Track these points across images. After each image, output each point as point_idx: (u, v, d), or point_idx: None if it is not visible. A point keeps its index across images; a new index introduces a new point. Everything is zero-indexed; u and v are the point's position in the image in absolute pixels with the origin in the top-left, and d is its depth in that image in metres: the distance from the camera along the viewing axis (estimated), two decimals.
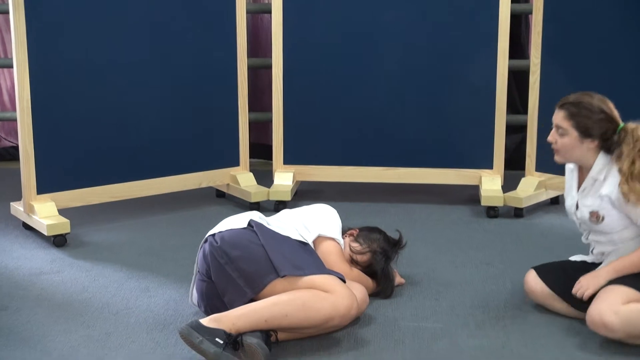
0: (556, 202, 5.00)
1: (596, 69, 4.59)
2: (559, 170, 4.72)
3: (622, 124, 3.22)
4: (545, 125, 4.39)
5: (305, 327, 3.08)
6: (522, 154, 5.02)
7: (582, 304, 3.22)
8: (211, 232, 3.30)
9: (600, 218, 3.24)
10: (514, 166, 5.33)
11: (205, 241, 3.29)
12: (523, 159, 4.94)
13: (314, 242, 3.43)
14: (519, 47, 5.52)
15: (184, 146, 4.81)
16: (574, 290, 3.24)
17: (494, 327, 3.34)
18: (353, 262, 3.57)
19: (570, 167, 3.41)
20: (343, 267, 3.42)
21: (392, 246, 3.65)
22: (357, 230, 3.66)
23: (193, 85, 4.78)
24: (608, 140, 3.21)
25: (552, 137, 3.29)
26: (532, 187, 4.82)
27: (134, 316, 3.43)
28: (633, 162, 3.15)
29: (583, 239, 3.44)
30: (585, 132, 3.21)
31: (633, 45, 4.47)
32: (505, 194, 4.79)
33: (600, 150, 3.23)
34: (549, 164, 4.79)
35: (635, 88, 4.47)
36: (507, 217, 4.77)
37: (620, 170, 3.16)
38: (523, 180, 4.89)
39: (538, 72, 4.79)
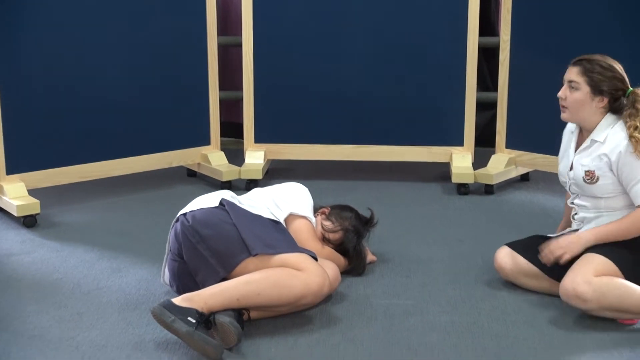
0: (526, 178, 5.02)
1: (565, 45, 4.60)
2: (529, 147, 4.78)
3: (630, 88, 3.27)
4: None
5: (278, 305, 3.09)
6: (492, 131, 5.04)
7: (558, 272, 3.24)
8: (182, 211, 3.29)
9: (595, 178, 3.26)
10: (485, 143, 5.35)
11: (177, 220, 3.28)
12: (493, 136, 4.97)
13: (285, 220, 3.43)
14: (488, 25, 5.52)
15: (154, 125, 4.79)
16: (550, 247, 3.23)
17: (465, 303, 3.36)
18: (325, 240, 3.58)
19: (570, 129, 3.43)
20: (315, 245, 3.43)
21: (363, 224, 3.66)
22: (329, 208, 3.66)
23: (163, 64, 4.76)
24: (617, 101, 3.25)
25: (563, 92, 3.30)
26: (502, 164, 4.85)
27: (106, 296, 3.42)
28: None
29: (568, 202, 3.45)
30: (597, 89, 3.24)
31: (601, 21, 4.48)
32: (476, 171, 4.82)
33: (607, 112, 3.26)
34: (519, 141, 4.84)
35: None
36: (477, 194, 4.79)
37: (631, 127, 3.20)
38: (493, 157, 4.92)
39: (508, 49, 4.80)
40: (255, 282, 3.02)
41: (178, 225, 3.24)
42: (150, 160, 4.81)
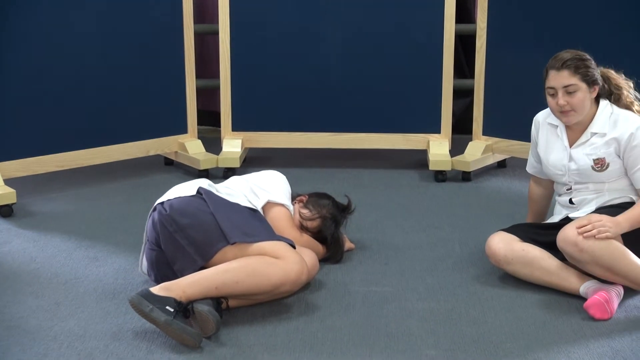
0: (503, 165, 5.04)
1: (542, 32, 4.62)
2: (506, 134, 4.79)
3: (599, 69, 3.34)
4: None
5: (256, 294, 3.09)
6: (469, 118, 5.05)
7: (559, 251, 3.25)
8: (160, 200, 3.28)
9: (606, 165, 3.28)
10: (462, 130, 5.37)
11: (154, 209, 3.27)
12: (470, 123, 4.98)
13: (263, 208, 3.43)
14: (465, 12, 5.53)
15: (131, 114, 4.77)
16: (592, 218, 3.16)
17: (443, 290, 3.38)
18: (303, 228, 3.58)
19: (544, 121, 3.44)
20: (293, 233, 3.43)
21: (341, 211, 3.66)
22: (307, 196, 3.67)
23: (139, 52, 4.73)
24: (603, 85, 3.31)
25: (562, 100, 3.27)
26: (479, 151, 4.86)
27: (83, 286, 3.41)
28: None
29: (562, 190, 3.44)
30: (590, 81, 3.27)
31: (579, 8, 4.50)
32: (453, 158, 4.83)
33: (596, 100, 3.31)
34: (496, 128, 4.86)
35: (579, 48, 4.50)
36: (455, 181, 4.81)
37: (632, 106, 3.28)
38: (470, 144, 4.93)
39: (484, 36, 4.81)
40: (233, 270, 3.02)
41: (155, 214, 3.23)
42: (128, 148, 4.79)
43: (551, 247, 3.30)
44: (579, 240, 3.11)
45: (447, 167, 4.79)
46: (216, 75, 5.06)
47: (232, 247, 3.09)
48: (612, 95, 3.33)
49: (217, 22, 4.95)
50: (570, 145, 3.36)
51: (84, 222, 4.14)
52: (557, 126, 3.40)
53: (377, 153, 5.19)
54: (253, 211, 3.33)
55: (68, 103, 4.54)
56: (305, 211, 3.59)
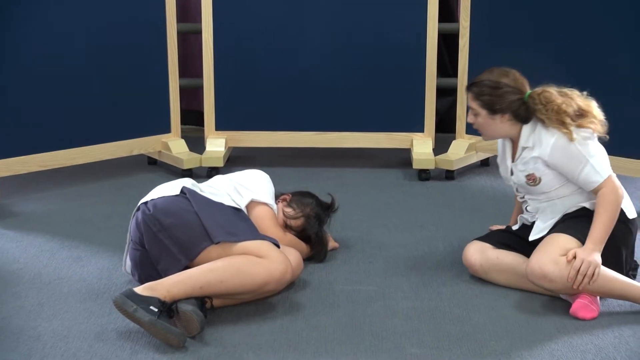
0: (486, 164, 5.06)
1: (525, 32, 4.63)
2: None
3: (529, 92, 3.27)
4: None
5: (241, 293, 3.09)
6: (452, 117, 5.07)
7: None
8: (143, 200, 3.27)
9: (538, 180, 3.29)
10: (445, 129, 5.38)
11: (138, 209, 3.26)
12: (454, 122, 4.99)
13: (247, 207, 3.43)
14: (448, 11, 5.54)
15: (115, 113, 4.75)
16: (574, 273, 3.09)
17: (427, 288, 3.38)
18: (287, 227, 3.58)
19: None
20: (276, 232, 3.43)
21: (324, 210, 3.66)
22: (290, 195, 3.67)
23: (122, 52, 4.72)
24: (519, 110, 3.27)
25: (470, 118, 3.37)
26: (462, 149, 4.87)
27: (67, 286, 3.40)
28: (558, 116, 3.20)
29: (518, 198, 3.49)
30: (492, 109, 3.27)
31: (562, 7, 4.51)
32: (437, 156, 4.84)
33: (517, 122, 3.29)
34: None
35: (562, 48, 4.53)
36: (438, 180, 4.82)
37: (558, 130, 3.21)
38: (454, 143, 4.94)
39: (467, 35, 4.82)
40: (218, 269, 3.02)
41: (139, 214, 3.22)
42: (111, 148, 4.77)
43: (524, 248, 3.35)
44: (545, 271, 3.11)
45: (430, 166, 4.80)
46: (199, 74, 5.06)
47: (216, 247, 3.08)
48: (539, 120, 3.25)
49: (200, 21, 4.94)
50: (513, 160, 3.38)
51: (67, 222, 4.13)
52: (504, 140, 3.44)
53: (360, 152, 5.19)
54: (237, 210, 3.33)
55: (50, 102, 4.52)
56: (289, 210, 3.59)
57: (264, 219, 3.43)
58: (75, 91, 4.60)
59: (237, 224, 3.21)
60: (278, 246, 3.18)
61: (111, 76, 4.71)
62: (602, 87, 4.36)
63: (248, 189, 3.47)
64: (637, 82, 4.33)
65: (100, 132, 4.72)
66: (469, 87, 3.33)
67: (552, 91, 3.25)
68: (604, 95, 4.29)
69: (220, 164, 4.85)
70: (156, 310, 2.87)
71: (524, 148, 3.30)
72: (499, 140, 3.47)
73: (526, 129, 3.29)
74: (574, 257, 3.09)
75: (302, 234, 3.59)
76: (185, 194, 3.25)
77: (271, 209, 3.50)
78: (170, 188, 3.30)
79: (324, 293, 3.34)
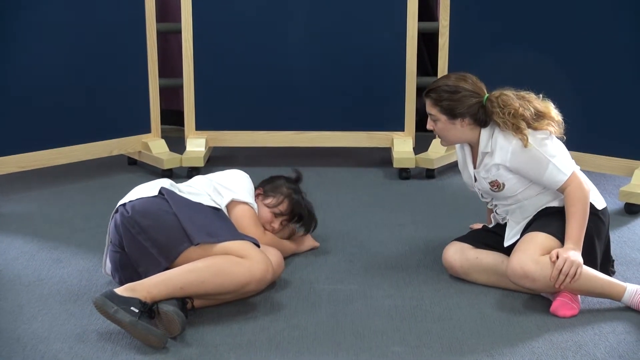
0: None
1: (504, 30, 4.65)
2: None
3: (487, 95, 3.28)
4: None
5: (222, 293, 3.08)
6: None
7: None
8: (122, 201, 3.26)
9: (501, 185, 3.31)
10: (425, 128, 5.37)
11: (116, 211, 3.24)
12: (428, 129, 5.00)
13: (227, 207, 3.42)
14: (428, 10, 5.56)
15: (94, 113, 4.73)
16: (557, 272, 3.09)
17: (408, 287, 3.39)
18: (277, 215, 3.58)
19: (459, 144, 3.47)
20: (256, 231, 3.42)
21: (296, 183, 3.68)
22: (260, 188, 3.65)
23: (101, 51, 4.70)
24: (478, 113, 3.27)
25: (429, 125, 3.38)
26: (442, 148, 4.88)
27: (47, 287, 3.39)
28: (514, 121, 3.20)
29: (488, 205, 3.51)
30: (451, 114, 3.28)
31: (541, 6, 4.54)
32: (417, 155, 4.85)
33: (477, 126, 3.29)
34: None
35: (540, 48, 4.55)
36: (419, 179, 4.83)
37: (514, 135, 3.21)
38: (434, 141, 4.95)
39: (447, 34, 4.83)
40: (198, 270, 3.01)
41: (117, 216, 3.21)
42: (90, 149, 4.75)
43: (503, 246, 3.37)
44: (527, 271, 3.12)
45: (411, 165, 4.81)
46: (179, 74, 5.04)
47: (196, 248, 3.08)
48: (496, 123, 3.26)
49: (179, 20, 4.93)
50: (475, 167, 3.39)
51: (46, 224, 4.11)
52: (462, 147, 3.45)
53: (341, 151, 5.20)
54: (216, 210, 3.32)
55: (29, 103, 4.50)
56: (269, 200, 3.59)
57: (243, 218, 3.43)
58: (54, 91, 4.58)
59: (217, 224, 3.21)
60: (258, 246, 3.17)
61: (91, 76, 4.69)
62: (577, 86, 4.42)
63: (228, 188, 3.46)
64: (611, 82, 4.36)
65: (80, 133, 4.70)
66: (427, 94, 3.33)
67: (510, 94, 3.26)
68: (578, 94, 4.34)
69: (200, 164, 4.84)
70: (137, 311, 2.86)
71: (484, 154, 3.31)
72: (458, 148, 3.47)
73: (484, 133, 3.30)
74: (557, 257, 3.10)
75: (293, 214, 3.61)
76: (163, 194, 3.24)
77: (251, 208, 3.49)
78: (149, 189, 3.29)
79: (305, 292, 3.34)
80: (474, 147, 3.38)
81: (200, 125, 5.00)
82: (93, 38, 4.65)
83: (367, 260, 3.66)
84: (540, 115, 3.23)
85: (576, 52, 4.44)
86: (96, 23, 4.65)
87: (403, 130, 4.97)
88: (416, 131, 5.02)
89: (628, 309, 3.16)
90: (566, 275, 3.07)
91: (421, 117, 5.45)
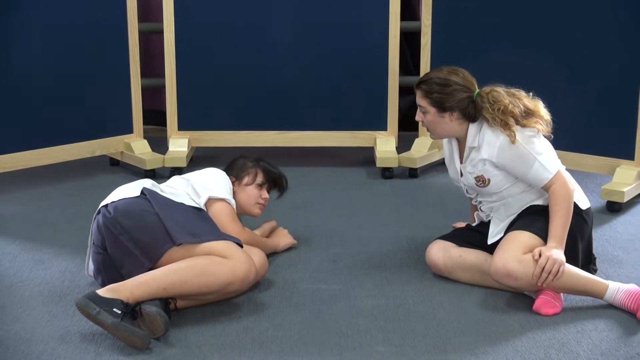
0: None
1: (486, 30, 4.66)
2: None
3: (477, 90, 3.29)
4: None
5: (205, 294, 3.08)
6: (415, 114, 5.06)
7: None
8: (104, 202, 3.25)
9: (487, 181, 3.32)
10: (408, 127, 5.39)
11: (98, 212, 3.23)
12: (416, 120, 4.99)
13: (205, 205, 3.42)
14: (410, 9, 5.56)
15: (76, 114, 4.72)
16: (539, 271, 3.10)
17: (391, 286, 3.39)
18: (261, 186, 3.59)
19: (446, 139, 3.48)
20: (234, 227, 3.41)
21: (255, 158, 3.70)
22: (232, 177, 3.62)
23: (83, 51, 4.68)
24: (467, 108, 3.28)
25: (418, 116, 3.39)
26: (425, 147, 4.89)
27: (29, 289, 3.37)
28: (503, 117, 3.22)
29: (472, 201, 3.52)
30: (441, 107, 3.29)
31: (522, 5, 4.55)
32: (400, 155, 4.86)
33: (466, 120, 3.30)
34: None
35: (523, 47, 4.57)
36: (402, 178, 4.83)
37: (505, 130, 3.22)
38: (417, 141, 4.96)
39: (429, 33, 4.84)
40: (181, 270, 3.00)
41: (100, 217, 3.20)
42: (73, 149, 4.74)
43: (487, 244, 3.38)
44: (509, 269, 3.13)
45: (394, 164, 4.81)
46: (161, 74, 5.03)
47: (178, 248, 3.07)
48: (485, 119, 3.27)
49: (161, 20, 4.92)
50: (461, 162, 3.40)
51: (29, 224, 4.09)
52: (450, 142, 3.46)
53: (324, 151, 5.20)
54: (198, 210, 3.32)
55: (11, 104, 4.48)
56: (245, 179, 3.59)
57: (221, 214, 3.42)
58: (36, 92, 4.57)
59: (199, 224, 3.20)
60: (241, 246, 3.17)
61: (72, 77, 4.67)
62: (559, 85, 4.44)
63: (205, 187, 3.45)
64: (594, 81, 4.38)
65: (62, 133, 4.68)
66: (418, 85, 3.34)
67: (500, 91, 3.28)
68: (560, 93, 4.35)
69: (183, 164, 4.83)
70: (119, 312, 2.85)
71: (471, 148, 3.32)
72: (445, 143, 3.49)
73: (472, 128, 3.31)
74: (540, 255, 3.11)
75: (270, 179, 3.64)
76: (145, 195, 3.23)
77: (229, 204, 3.48)
78: (130, 189, 3.28)
79: (289, 292, 3.34)
80: (461, 142, 3.39)
81: (183, 126, 4.99)
82: (75, 38, 4.64)
83: (351, 260, 3.66)
84: (529, 113, 3.25)
85: (559, 51, 4.46)
86: (78, 23, 4.63)
87: (386, 130, 4.97)
88: (399, 130, 5.02)
89: (610, 306, 3.17)
90: (549, 273, 3.08)
91: (404, 117, 5.47)
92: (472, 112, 3.28)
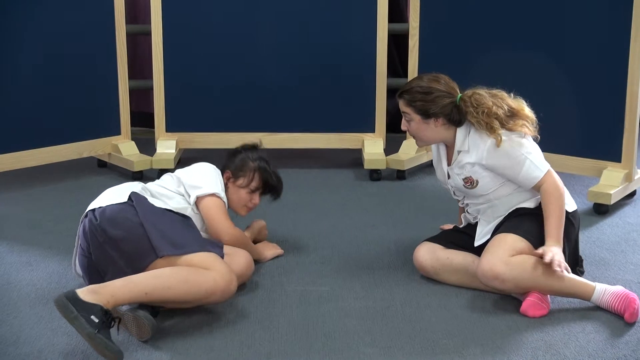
0: None
1: (473, 32, 4.67)
2: None
3: (460, 95, 3.30)
4: None
5: (187, 301, 3.04)
6: None
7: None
8: (91, 206, 3.22)
9: (475, 182, 3.32)
10: (396, 129, 5.36)
11: (86, 216, 3.22)
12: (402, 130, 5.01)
13: (196, 204, 3.40)
14: (398, 11, 5.57)
15: (64, 115, 4.71)
16: (550, 261, 3.10)
17: (379, 288, 3.39)
18: (253, 192, 3.56)
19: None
20: (225, 222, 3.39)
21: (256, 149, 3.67)
22: (227, 171, 3.59)
23: (71, 53, 4.67)
24: (452, 113, 3.29)
25: (403, 125, 3.39)
26: (413, 149, 4.90)
27: (16, 290, 3.36)
28: (488, 120, 3.23)
29: (459, 204, 3.53)
30: (425, 114, 3.29)
31: (510, 8, 4.56)
32: (388, 156, 4.86)
33: (451, 125, 3.31)
34: None
35: (511, 49, 4.58)
36: (389, 180, 4.84)
37: (486, 128, 3.24)
38: (404, 142, 4.97)
39: (417, 35, 4.85)
40: (165, 276, 2.98)
41: (86, 221, 3.18)
42: (60, 151, 4.73)
43: (474, 246, 3.39)
44: (496, 272, 3.13)
45: (381, 166, 4.82)
46: (149, 76, 5.03)
47: (161, 260, 3.05)
48: (470, 123, 3.29)
49: (149, 22, 4.91)
50: (449, 164, 3.41)
51: (16, 226, 4.08)
52: (438, 146, 3.47)
53: (312, 152, 5.20)
54: (184, 218, 3.29)
55: None
56: (240, 181, 3.56)
57: (210, 209, 3.39)
58: (24, 93, 4.55)
59: (183, 234, 3.17)
60: (223, 256, 3.15)
61: (60, 78, 4.66)
62: (546, 87, 4.45)
63: (194, 186, 3.41)
64: (580, 83, 4.39)
65: (49, 135, 4.67)
66: (401, 95, 3.34)
67: (483, 93, 3.29)
68: (547, 95, 4.36)
69: (171, 166, 4.82)
70: (97, 320, 2.77)
71: (459, 151, 3.33)
72: (433, 146, 3.49)
73: (460, 132, 3.32)
74: (542, 256, 3.12)
75: (266, 185, 3.59)
76: (132, 200, 3.21)
77: (218, 198, 3.44)
78: (118, 194, 3.25)
79: (277, 294, 3.34)
80: (449, 146, 3.39)
81: (171, 127, 4.98)
82: (62, 40, 4.62)
83: (339, 262, 3.66)
84: (513, 114, 3.26)
85: (546, 54, 4.47)
86: (65, 24, 4.62)
87: (374, 132, 4.98)
88: (387, 132, 5.03)
89: (597, 308, 3.18)
90: (560, 266, 3.09)
91: (392, 119, 5.48)
92: (456, 117, 3.29)
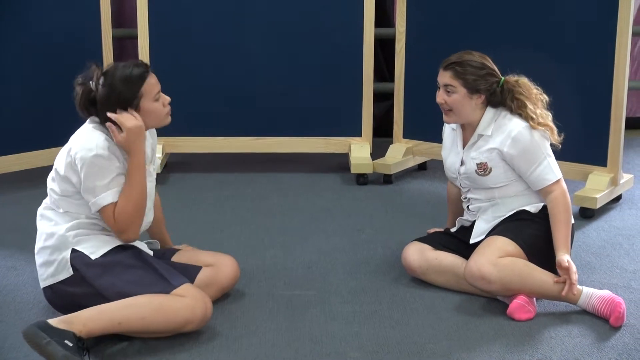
0: (424, 167, 5.09)
1: (460, 37, 4.68)
2: (426, 136, 4.84)
3: (502, 78, 3.33)
4: None
5: (161, 332, 2.94)
6: (389, 121, 5.09)
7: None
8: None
9: (488, 170, 3.32)
10: (382, 133, 5.41)
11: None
12: (391, 127, 5.02)
13: (104, 209, 3.04)
14: (385, 16, 5.58)
15: (50, 120, 4.68)
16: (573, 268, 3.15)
17: (366, 292, 3.39)
18: (156, 99, 3.35)
19: (451, 126, 3.48)
20: (136, 178, 3.17)
21: (93, 75, 3.24)
22: (114, 112, 3.22)
23: (56, 58, 4.65)
24: (493, 94, 3.31)
25: (440, 98, 3.35)
26: (400, 153, 4.90)
27: (1, 296, 3.35)
28: (530, 105, 3.30)
29: (461, 196, 3.52)
30: (473, 88, 3.30)
31: (497, 13, 4.57)
32: (374, 161, 4.86)
33: (486, 106, 3.33)
34: (416, 130, 4.91)
35: (497, 52, 4.57)
36: (376, 184, 4.84)
37: (525, 119, 3.28)
38: (391, 147, 4.97)
39: (404, 40, 4.85)
40: (138, 305, 2.88)
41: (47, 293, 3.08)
42: (46, 155, 4.70)
43: (463, 250, 3.39)
44: (483, 273, 3.15)
45: (368, 170, 4.82)
46: None
47: None
48: (508, 106, 3.33)
49: (135, 26, 4.90)
50: (464, 147, 3.41)
51: (1, 231, 4.07)
52: (454, 129, 3.47)
53: (298, 157, 5.20)
54: (132, 253, 3.06)
55: None
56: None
57: (110, 220, 3.03)
58: (9, 98, 4.54)
59: (140, 281, 2.97)
60: (210, 265, 3.15)
61: (46, 82, 4.65)
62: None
63: (89, 192, 3.12)
64: (566, 87, 4.40)
65: (36, 139, 4.66)
66: (451, 66, 3.33)
67: (527, 82, 3.35)
68: None
69: (157, 170, 4.80)
70: (71, 345, 2.70)
71: (480, 135, 3.33)
72: (449, 130, 3.49)
73: (487, 115, 3.33)
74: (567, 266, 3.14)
75: (142, 78, 3.32)
76: (77, 269, 3.00)
77: (113, 204, 3.04)
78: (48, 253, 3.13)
79: (263, 299, 3.33)
80: (466, 129, 3.39)
81: (157, 132, 4.95)
82: (47, 44, 4.61)
83: (325, 266, 3.66)
84: (543, 116, 3.33)
85: (532, 57, 4.46)
86: (50, 28, 4.61)
87: (360, 136, 4.98)
88: (373, 137, 5.03)
89: (584, 312, 3.19)
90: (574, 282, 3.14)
91: (378, 123, 5.49)
92: (497, 98, 3.31)
